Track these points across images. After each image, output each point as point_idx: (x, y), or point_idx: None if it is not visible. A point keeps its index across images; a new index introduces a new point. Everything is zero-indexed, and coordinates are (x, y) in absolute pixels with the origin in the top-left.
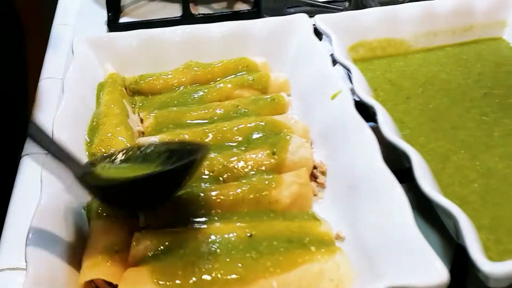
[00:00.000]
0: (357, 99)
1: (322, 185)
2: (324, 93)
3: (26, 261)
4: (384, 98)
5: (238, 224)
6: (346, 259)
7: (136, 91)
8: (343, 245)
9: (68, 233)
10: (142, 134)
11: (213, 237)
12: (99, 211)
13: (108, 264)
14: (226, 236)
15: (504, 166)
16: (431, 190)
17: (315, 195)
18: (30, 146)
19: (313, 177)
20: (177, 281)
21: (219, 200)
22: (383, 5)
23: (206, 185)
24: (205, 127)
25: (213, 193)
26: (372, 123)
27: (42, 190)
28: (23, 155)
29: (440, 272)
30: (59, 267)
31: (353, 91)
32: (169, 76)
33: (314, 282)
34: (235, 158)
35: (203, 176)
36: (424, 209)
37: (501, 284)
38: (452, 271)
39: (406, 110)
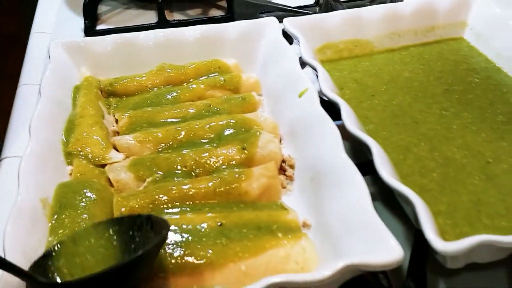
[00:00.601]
0: (324, 97)
1: (290, 178)
2: (292, 92)
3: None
4: (350, 96)
5: (209, 214)
6: (311, 243)
7: (111, 93)
8: (309, 232)
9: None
10: (117, 133)
11: (184, 226)
12: None
13: None
14: (197, 226)
15: (462, 156)
16: (389, 178)
17: (284, 187)
18: (8, 149)
19: (282, 170)
20: None
21: (191, 192)
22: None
23: (178, 179)
24: (177, 125)
25: (185, 187)
26: (339, 122)
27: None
28: (2, 158)
29: (395, 249)
30: None
31: (319, 90)
32: (143, 78)
33: (281, 265)
34: (207, 154)
35: (176, 171)
36: (388, 200)
37: (457, 264)
38: (413, 257)
39: (371, 107)
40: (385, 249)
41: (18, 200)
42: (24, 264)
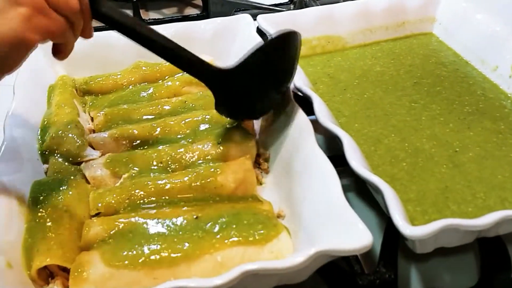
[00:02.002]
0: (298, 92)
1: (265, 171)
2: None
3: None
4: (323, 91)
5: (185, 208)
6: (285, 233)
7: (86, 92)
8: (283, 221)
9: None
10: (93, 132)
11: (161, 221)
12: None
13: (61, 250)
14: (174, 219)
15: (430, 146)
16: (359, 168)
17: (258, 180)
18: None
19: (257, 163)
20: (126, 261)
21: (167, 187)
22: None
23: (155, 175)
24: (153, 122)
25: (161, 182)
26: (313, 116)
27: None
28: None
29: (364, 234)
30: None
31: (293, 84)
32: (118, 76)
33: (256, 255)
34: (183, 149)
35: (152, 167)
36: (361, 191)
37: (426, 248)
38: (385, 243)
39: (343, 100)
40: (355, 235)
41: None
42: (2, 259)
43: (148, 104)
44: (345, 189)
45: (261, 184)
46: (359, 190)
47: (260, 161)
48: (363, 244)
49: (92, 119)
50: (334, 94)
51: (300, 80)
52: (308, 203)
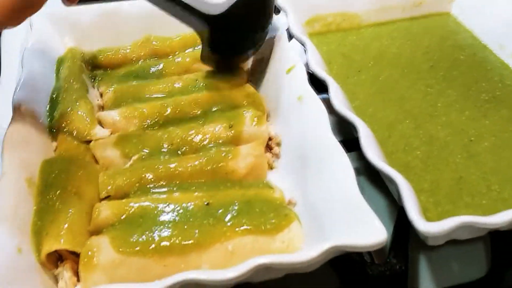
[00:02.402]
0: (312, 72)
1: (276, 156)
2: (280, 67)
3: None
4: (337, 72)
5: (196, 193)
6: (297, 222)
7: (95, 66)
8: (295, 209)
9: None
10: (102, 108)
11: (171, 206)
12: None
13: (71, 234)
14: (184, 205)
15: (445, 135)
16: (375, 158)
17: (270, 165)
18: None
19: (268, 148)
20: (137, 248)
21: (177, 171)
22: None
23: (165, 157)
24: (163, 101)
25: (172, 165)
26: (325, 95)
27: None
28: None
29: (379, 231)
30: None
31: (307, 65)
32: (128, 50)
33: (267, 245)
34: (193, 131)
35: (162, 150)
36: (372, 176)
37: (437, 241)
38: (395, 233)
39: (357, 83)
40: (370, 231)
41: (2, 180)
42: (12, 244)
43: (159, 82)
44: (356, 173)
45: (271, 168)
46: (370, 175)
47: (272, 145)
48: (378, 240)
49: (101, 95)
50: (348, 75)
51: (314, 61)
52: (321, 193)
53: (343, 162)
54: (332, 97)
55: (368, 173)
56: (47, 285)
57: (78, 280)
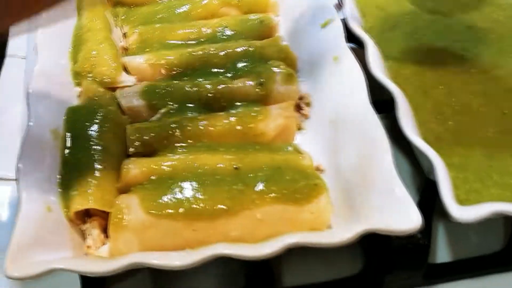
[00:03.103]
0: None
1: (306, 116)
2: (315, 20)
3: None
4: (372, 25)
5: (224, 156)
6: (326, 193)
7: (118, 2)
8: (322, 176)
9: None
10: (126, 50)
11: (201, 169)
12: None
13: (100, 192)
14: (213, 168)
15: (478, 104)
16: (414, 137)
17: (297, 125)
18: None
19: (298, 107)
20: (167, 211)
21: (206, 130)
22: None
23: (193, 113)
24: (191, 49)
25: (201, 123)
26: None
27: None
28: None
29: (414, 217)
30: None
31: (344, 20)
32: None
33: (295, 214)
34: (222, 86)
35: (190, 104)
36: (400, 142)
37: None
38: (421, 204)
39: (392, 39)
40: (405, 216)
41: (28, 132)
42: (41, 201)
43: (186, 26)
44: None
45: (299, 129)
46: (398, 140)
47: (302, 105)
48: (413, 226)
49: (124, 35)
50: (383, 30)
51: (351, 17)
52: (353, 166)
53: (380, 136)
54: (370, 61)
55: (395, 136)
56: (75, 241)
57: (106, 237)
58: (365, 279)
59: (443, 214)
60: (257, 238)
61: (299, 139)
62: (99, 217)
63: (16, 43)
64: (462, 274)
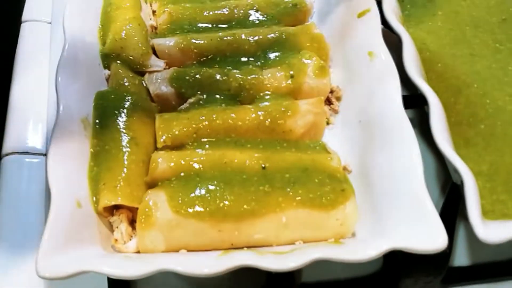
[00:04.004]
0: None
1: (335, 111)
2: (352, 8)
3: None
4: (410, 12)
5: (252, 153)
6: (353, 200)
7: None
8: (349, 176)
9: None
10: (155, 29)
11: (229, 167)
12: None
13: (129, 187)
14: (241, 166)
15: None
16: (446, 147)
17: (327, 120)
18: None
19: (328, 101)
20: (194, 210)
21: (235, 125)
22: None
23: (222, 105)
24: (221, 33)
25: (230, 116)
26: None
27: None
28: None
29: (441, 237)
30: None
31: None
32: None
33: (320, 220)
34: (252, 76)
35: (219, 96)
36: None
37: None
38: (445, 206)
39: (431, 29)
40: (432, 235)
41: (57, 122)
42: (72, 197)
43: (216, 6)
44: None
45: (328, 123)
46: (424, 134)
47: (332, 100)
48: (439, 247)
49: (154, 13)
50: (422, 19)
51: (390, 8)
52: (381, 172)
53: (412, 146)
54: (406, 59)
55: (424, 133)
56: (103, 234)
57: (133, 229)
58: (383, 279)
59: (464, 216)
60: (280, 241)
61: (327, 134)
62: (126, 209)
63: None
64: (480, 279)
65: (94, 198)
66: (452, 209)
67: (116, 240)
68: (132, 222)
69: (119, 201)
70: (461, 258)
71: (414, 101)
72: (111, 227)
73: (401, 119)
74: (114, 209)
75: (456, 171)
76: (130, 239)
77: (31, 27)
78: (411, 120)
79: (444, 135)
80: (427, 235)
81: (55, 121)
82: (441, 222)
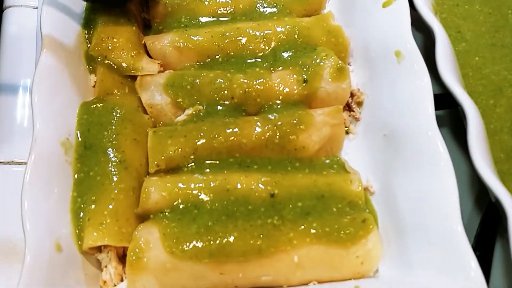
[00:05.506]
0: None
1: (356, 119)
2: None
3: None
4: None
5: (258, 177)
6: (376, 232)
7: None
8: (371, 198)
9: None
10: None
11: (232, 196)
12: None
13: (116, 224)
14: (245, 194)
15: None
16: (485, 170)
17: (347, 128)
18: None
19: (347, 107)
20: (191, 251)
21: (239, 142)
22: None
23: (224, 117)
24: (223, 28)
25: (233, 132)
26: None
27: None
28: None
29: (476, 282)
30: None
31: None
32: None
33: (339, 258)
34: (260, 81)
35: (221, 106)
36: (460, 139)
37: None
38: (483, 224)
39: (467, 14)
40: (466, 280)
41: (33, 151)
42: (50, 240)
43: None
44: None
45: (347, 133)
46: (456, 134)
47: (352, 106)
48: None
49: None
50: (458, 1)
51: None
52: (409, 197)
53: (446, 175)
54: (439, 58)
55: (457, 136)
56: (90, 274)
57: (124, 265)
58: None
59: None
60: (291, 283)
61: (346, 146)
62: (115, 247)
63: None
64: None
65: (78, 234)
66: (489, 232)
67: (104, 282)
68: (123, 256)
69: (106, 241)
70: (497, 282)
71: (447, 100)
72: (98, 264)
73: (433, 137)
74: (101, 245)
75: (497, 201)
76: (120, 279)
77: (14, 13)
78: (443, 120)
79: (483, 153)
80: (461, 281)
81: (29, 149)
82: (477, 266)
